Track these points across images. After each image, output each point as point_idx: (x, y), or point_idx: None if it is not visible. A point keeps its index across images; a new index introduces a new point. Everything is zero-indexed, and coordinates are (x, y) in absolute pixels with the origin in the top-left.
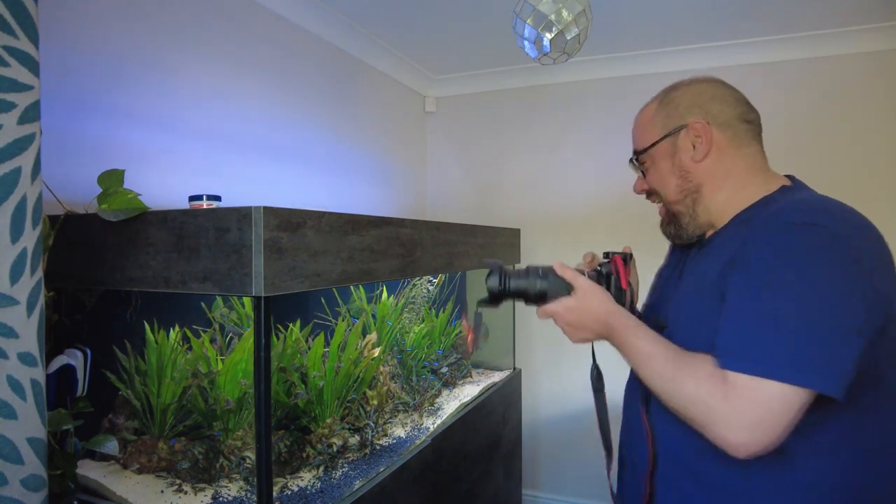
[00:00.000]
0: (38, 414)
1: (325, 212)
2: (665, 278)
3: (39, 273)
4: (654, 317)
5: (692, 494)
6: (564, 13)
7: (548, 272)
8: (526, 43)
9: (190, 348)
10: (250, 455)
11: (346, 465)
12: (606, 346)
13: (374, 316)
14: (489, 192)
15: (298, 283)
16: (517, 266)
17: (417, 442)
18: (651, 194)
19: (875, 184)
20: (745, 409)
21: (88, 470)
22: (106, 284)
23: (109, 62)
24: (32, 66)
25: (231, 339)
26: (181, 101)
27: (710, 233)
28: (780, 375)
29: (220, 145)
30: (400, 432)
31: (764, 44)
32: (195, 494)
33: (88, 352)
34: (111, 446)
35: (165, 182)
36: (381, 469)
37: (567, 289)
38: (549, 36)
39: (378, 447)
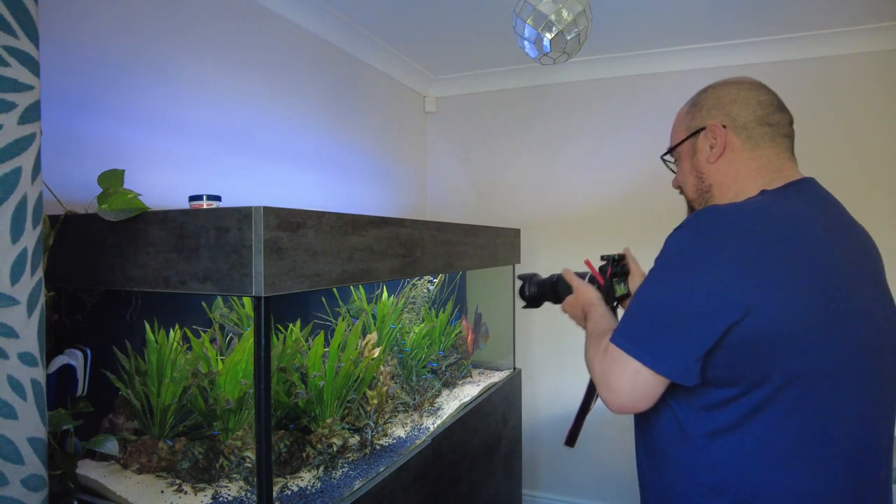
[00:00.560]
0: (39, 414)
1: (325, 212)
2: None
3: (40, 273)
4: None
5: (643, 460)
6: (564, 13)
7: (559, 278)
8: (526, 43)
9: (190, 348)
10: (250, 455)
11: (346, 465)
12: None
13: (374, 316)
14: (489, 192)
15: (298, 283)
16: (542, 276)
17: (417, 442)
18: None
19: (875, 184)
20: (611, 375)
21: (88, 470)
22: (106, 284)
23: (109, 62)
24: (33, 66)
25: (231, 339)
26: (181, 101)
27: None
28: (633, 353)
29: (220, 145)
30: (400, 432)
31: (764, 44)
32: (195, 494)
33: (88, 352)
34: (111, 446)
35: (165, 182)
36: (381, 469)
37: (570, 289)
38: (549, 36)
39: (378, 447)
